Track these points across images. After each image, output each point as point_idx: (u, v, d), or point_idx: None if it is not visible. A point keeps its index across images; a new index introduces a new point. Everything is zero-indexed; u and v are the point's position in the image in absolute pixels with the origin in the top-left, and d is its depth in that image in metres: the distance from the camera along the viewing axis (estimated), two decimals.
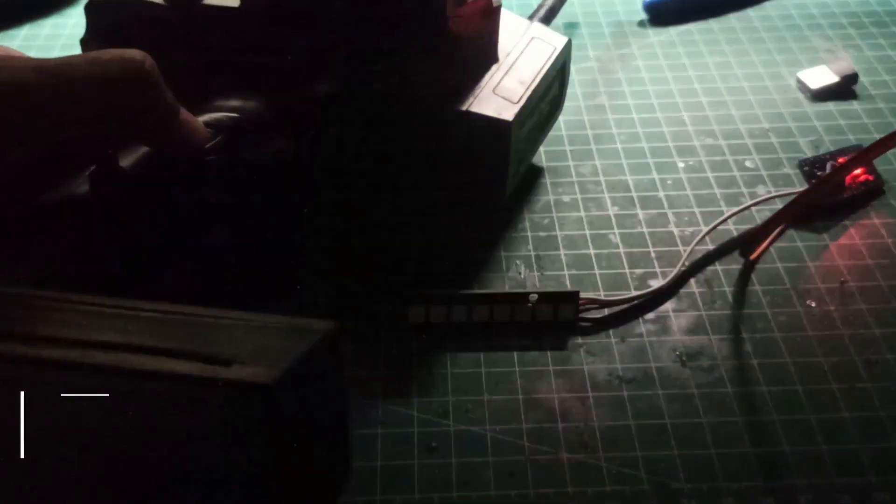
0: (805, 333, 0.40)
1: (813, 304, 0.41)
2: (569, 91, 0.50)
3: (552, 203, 0.47)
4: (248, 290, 0.40)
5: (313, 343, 0.28)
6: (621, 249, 0.44)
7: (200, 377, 0.25)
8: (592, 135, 0.52)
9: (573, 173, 0.49)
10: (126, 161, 0.37)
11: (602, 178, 0.49)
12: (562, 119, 0.51)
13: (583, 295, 0.40)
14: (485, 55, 0.43)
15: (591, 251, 0.44)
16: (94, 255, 0.35)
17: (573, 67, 0.56)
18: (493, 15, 0.43)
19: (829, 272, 0.43)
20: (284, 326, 0.28)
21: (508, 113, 0.41)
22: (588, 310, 0.41)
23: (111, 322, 0.28)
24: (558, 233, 0.45)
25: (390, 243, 0.43)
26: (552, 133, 0.50)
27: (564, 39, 0.46)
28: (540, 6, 0.53)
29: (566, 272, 0.43)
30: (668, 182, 0.48)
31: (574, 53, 0.54)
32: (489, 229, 0.45)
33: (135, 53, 0.34)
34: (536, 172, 0.49)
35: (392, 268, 0.42)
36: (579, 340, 0.40)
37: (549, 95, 0.46)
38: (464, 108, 0.41)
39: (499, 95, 0.42)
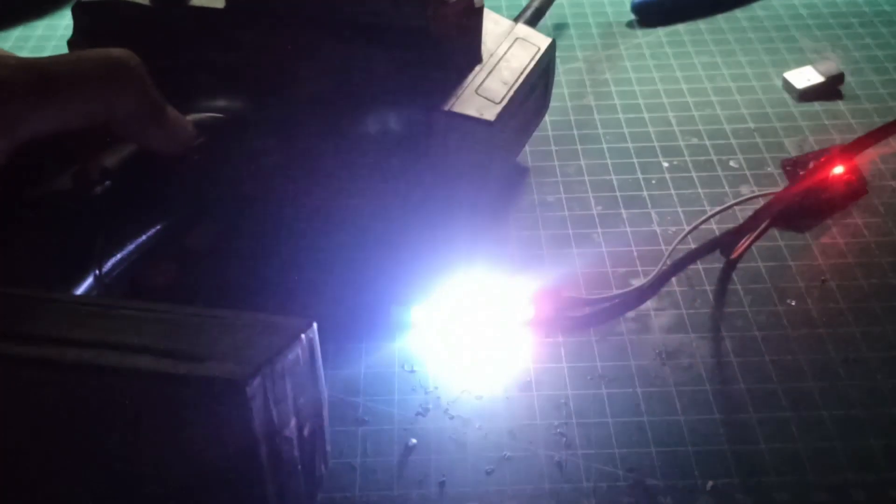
0: (784, 332, 0.40)
1: (793, 303, 0.41)
2: (555, 91, 0.50)
3: (536, 203, 0.47)
4: (231, 288, 0.40)
5: (290, 341, 0.28)
6: (604, 248, 0.44)
7: (174, 374, 0.25)
8: (578, 135, 0.52)
9: (558, 173, 0.49)
10: (110, 160, 0.37)
11: (587, 178, 0.49)
12: (548, 119, 0.51)
13: (564, 294, 0.41)
14: (468, 55, 0.44)
15: (574, 250, 0.44)
16: (75, 252, 0.35)
17: (560, 68, 0.56)
18: (475, 15, 0.43)
19: (809, 271, 0.43)
20: (261, 324, 0.28)
21: (491, 113, 0.41)
22: (570, 308, 0.41)
23: (87, 320, 0.28)
24: (542, 232, 0.45)
25: (373, 243, 0.43)
26: (538, 133, 0.50)
27: (548, 40, 0.47)
28: (526, 7, 0.54)
29: (549, 271, 0.43)
30: (653, 182, 0.49)
31: (562, 54, 0.55)
32: (472, 229, 0.45)
33: (121, 52, 0.34)
34: (522, 172, 0.49)
35: (375, 267, 0.42)
36: (560, 339, 0.40)
37: (533, 95, 0.46)
38: (446, 108, 0.41)
39: (481, 96, 0.42)
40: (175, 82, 0.38)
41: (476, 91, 0.42)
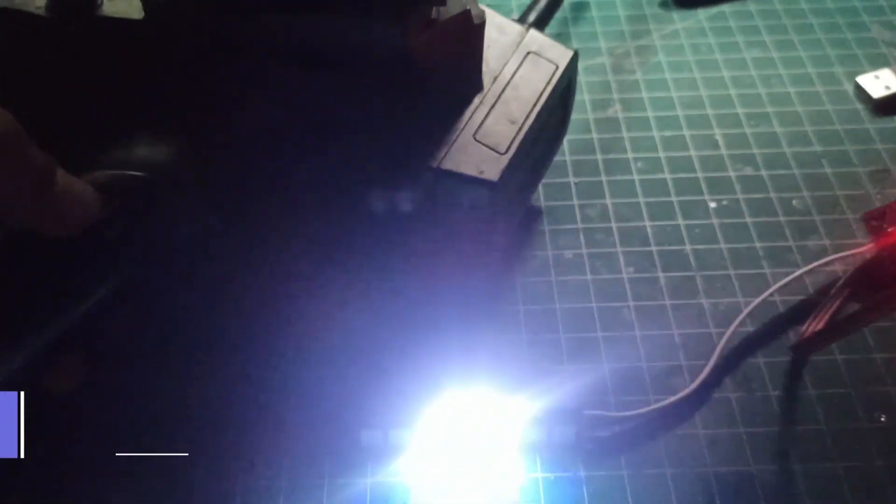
0: (872, 463, 0.31)
1: (883, 419, 0.32)
2: (575, 99, 0.39)
3: (551, 261, 0.38)
4: (153, 396, 0.31)
5: None
6: (637, 332, 0.35)
7: None
8: (603, 161, 0.42)
9: (578, 217, 0.39)
10: None
11: (614, 225, 0.39)
12: (566, 140, 0.41)
13: (587, 411, 0.31)
14: (464, 86, 0.33)
15: (599, 334, 0.35)
16: None
17: (581, 66, 0.46)
18: (474, 35, 0.32)
19: None
20: None
21: (493, 169, 0.31)
22: (593, 428, 0.32)
23: None
24: (557, 306, 0.36)
25: (337, 351, 0.33)
26: (554, 161, 0.40)
27: (569, 54, 0.36)
28: (534, 2, 0.43)
29: (566, 366, 0.34)
30: (696, 231, 0.39)
31: (582, 45, 0.44)
32: (468, 314, 0.35)
33: None
34: (534, 215, 0.39)
35: (339, 381, 0.33)
36: (582, 473, 0.31)
37: (548, 127, 0.36)
38: (434, 164, 0.31)
39: (481, 143, 0.32)
40: (78, 123, 0.29)
41: (474, 136, 0.32)
